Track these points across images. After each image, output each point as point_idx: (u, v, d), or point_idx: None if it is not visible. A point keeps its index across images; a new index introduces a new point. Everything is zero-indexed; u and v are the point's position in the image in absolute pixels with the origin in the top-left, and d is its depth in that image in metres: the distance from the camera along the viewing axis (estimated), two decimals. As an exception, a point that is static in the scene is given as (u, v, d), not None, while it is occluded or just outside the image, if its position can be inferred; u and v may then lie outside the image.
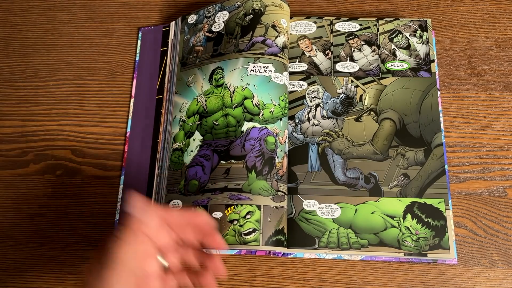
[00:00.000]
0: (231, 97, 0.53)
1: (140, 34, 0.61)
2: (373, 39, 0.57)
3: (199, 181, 0.51)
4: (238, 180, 0.49)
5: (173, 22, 0.61)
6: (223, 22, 0.56)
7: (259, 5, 0.55)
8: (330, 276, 0.50)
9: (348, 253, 0.49)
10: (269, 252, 0.50)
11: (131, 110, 0.58)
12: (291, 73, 0.56)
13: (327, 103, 0.54)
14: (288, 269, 0.50)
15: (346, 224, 0.49)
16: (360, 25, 0.57)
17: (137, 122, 0.57)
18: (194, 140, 0.53)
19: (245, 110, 0.52)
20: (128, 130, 0.57)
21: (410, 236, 0.49)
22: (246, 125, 0.51)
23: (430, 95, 0.54)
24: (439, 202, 0.50)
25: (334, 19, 0.58)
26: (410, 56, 0.56)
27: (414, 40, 0.56)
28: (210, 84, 0.54)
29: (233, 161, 0.50)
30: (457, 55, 0.58)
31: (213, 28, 0.57)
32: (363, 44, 0.56)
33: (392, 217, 0.49)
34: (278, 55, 0.53)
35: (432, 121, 0.53)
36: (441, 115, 0.53)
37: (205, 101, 0.54)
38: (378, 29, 0.57)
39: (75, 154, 0.57)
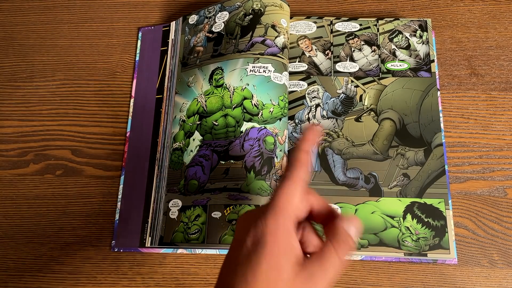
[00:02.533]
0: (230, 97, 0.53)
1: (140, 34, 0.61)
2: (373, 39, 0.57)
3: (199, 181, 0.51)
4: (237, 180, 0.49)
5: (174, 22, 0.61)
6: (223, 22, 0.56)
7: (259, 5, 0.55)
8: (330, 276, 0.50)
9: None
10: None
11: (131, 110, 0.58)
12: (291, 73, 0.56)
13: (327, 103, 0.54)
14: (288, 269, 0.50)
15: None
16: (360, 25, 0.57)
17: (137, 122, 0.57)
18: (193, 140, 0.53)
19: (244, 111, 0.52)
20: (128, 130, 0.57)
21: (410, 236, 0.49)
22: (245, 125, 0.51)
23: (430, 95, 0.54)
24: (439, 202, 0.50)
25: (334, 19, 0.58)
26: (410, 56, 0.56)
27: (414, 40, 0.56)
28: (210, 85, 0.54)
29: (232, 161, 0.50)
30: (457, 55, 0.58)
31: (213, 29, 0.57)
32: (363, 44, 0.56)
33: (392, 217, 0.49)
34: (278, 55, 0.53)
35: (432, 121, 0.53)
36: (441, 115, 0.53)
37: (205, 101, 0.54)
38: (378, 29, 0.57)
39: (75, 154, 0.57)
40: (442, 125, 0.53)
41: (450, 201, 0.50)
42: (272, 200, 0.31)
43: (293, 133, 0.53)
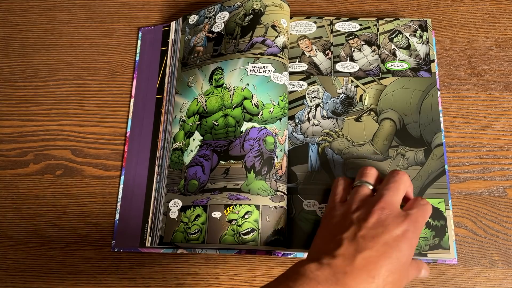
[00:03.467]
0: (230, 97, 0.53)
1: (140, 34, 0.61)
2: (373, 39, 0.57)
3: (199, 181, 0.51)
4: (237, 180, 0.49)
5: (174, 22, 0.61)
6: (223, 22, 0.56)
7: (259, 5, 0.55)
8: (330, 276, 0.50)
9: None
10: (271, 252, 0.50)
11: (131, 110, 0.58)
12: (291, 73, 0.56)
13: (327, 103, 0.54)
14: (288, 269, 0.50)
15: None
16: (360, 25, 0.57)
17: (137, 122, 0.57)
18: (194, 140, 0.53)
19: (244, 111, 0.52)
20: (128, 130, 0.57)
21: (410, 236, 0.49)
22: (245, 125, 0.51)
23: (430, 95, 0.54)
24: (439, 202, 0.50)
25: (334, 19, 0.58)
26: (410, 56, 0.56)
27: (414, 40, 0.56)
28: (210, 85, 0.54)
29: (232, 161, 0.50)
30: (457, 55, 0.58)
31: (213, 29, 0.57)
32: (363, 44, 0.56)
33: (392, 217, 0.49)
34: (278, 55, 0.53)
35: (432, 121, 0.53)
36: (441, 115, 0.53)
37: (205, 101, 0.54)
38: (378, 29, 0.57)
39: (75, 154, 0.57)
40: (442, 125, 0.53)
41: (450, 201, 0.50)
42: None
43: (293, 133, 0.53)
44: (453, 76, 0.57)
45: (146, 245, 0.51)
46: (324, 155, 0.52)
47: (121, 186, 0.54)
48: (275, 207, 0.48)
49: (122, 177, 0.55)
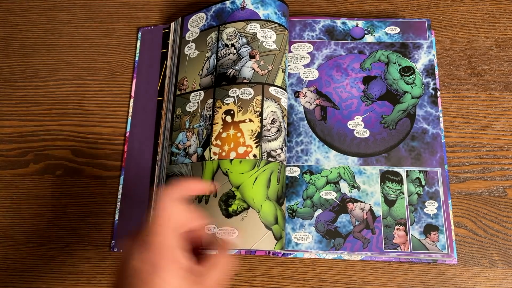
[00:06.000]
0: None
1: (139, 34, 0.61)
2: None
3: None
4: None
5: (173, 23, 0.60)
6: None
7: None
8: (330, 276, 0.50)
9: (348, 253, 0.49)
10: (269, 252, 0.50)
11: (130, 110, 0.58)
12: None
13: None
14: (288, 269, 0.50)
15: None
16: None
17: (137, 122, 0.57)
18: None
19: None
20: (128, 130, 0.57)
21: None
22: None
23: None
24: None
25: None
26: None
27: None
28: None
29: None
30: (457, 55, 0.58)
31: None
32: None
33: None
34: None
35: None
36: (441, 115, 0.53)
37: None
38: None
39: (75, 154, 0.57)
40: (442, 125, 0.53)
41: (450, 201, 0.50)
42: None
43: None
44: (453, 76, 0.57)
45: (146, 245, 0.51)
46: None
47: (120, 186, 0.54)
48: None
49: (122, 177, 0.55)
